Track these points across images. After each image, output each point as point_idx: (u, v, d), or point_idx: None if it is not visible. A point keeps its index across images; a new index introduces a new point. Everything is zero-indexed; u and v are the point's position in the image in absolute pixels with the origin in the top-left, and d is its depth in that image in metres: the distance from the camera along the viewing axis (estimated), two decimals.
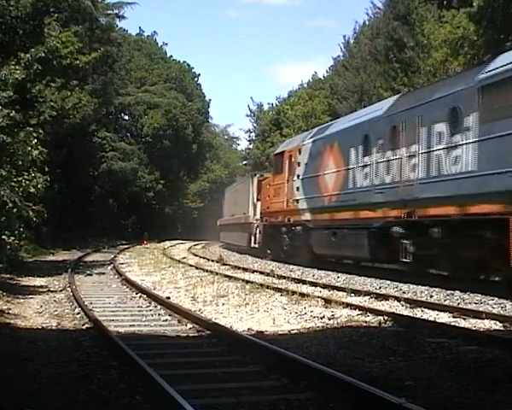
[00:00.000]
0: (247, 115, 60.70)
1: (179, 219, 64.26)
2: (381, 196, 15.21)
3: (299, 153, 20.53)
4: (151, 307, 10.82)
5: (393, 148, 14.75)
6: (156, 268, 19.99)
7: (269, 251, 23.99)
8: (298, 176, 20.42)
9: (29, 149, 15.73)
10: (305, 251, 19.93)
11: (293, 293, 11.79)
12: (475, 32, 22.15)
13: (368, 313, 9.49)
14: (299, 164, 20.47)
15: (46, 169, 17.98)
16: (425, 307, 10.10)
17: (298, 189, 20.34)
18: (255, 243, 26.49)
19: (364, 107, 24.31)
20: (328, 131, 19.25)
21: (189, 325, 8.67)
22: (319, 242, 18.77)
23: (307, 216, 19.60)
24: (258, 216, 26.59)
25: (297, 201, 20.35)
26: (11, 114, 14.71)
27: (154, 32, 67.59)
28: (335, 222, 17.47)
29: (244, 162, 57.15)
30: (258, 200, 27.15)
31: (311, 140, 19.97)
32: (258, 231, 25.96)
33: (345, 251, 17.26)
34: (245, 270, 18.84)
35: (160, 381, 4.98)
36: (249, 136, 62.82)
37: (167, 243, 41.25)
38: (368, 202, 15.70)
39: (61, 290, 13.51)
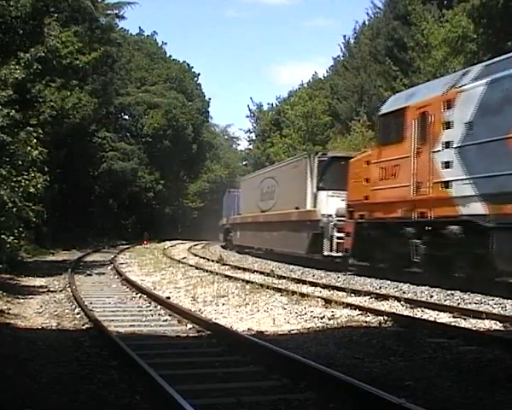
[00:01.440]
0: (247, 116, 61.04)
1: (179, 219, 64.22)
2: None
3: (449, 106, 13.40)
4: (151, 308, 10.81)
5: None
6: (156, 268, 19.98)
7: (351, 260, 17.33)
8: (447, 144, 13.40)
9: (29, 149, 15.73)
10: (471, 268, 12.67)
11: (294, 293, 11.79)
12: (475, 31, 22.19)
13: (368, 313, 9.49)
14: (448, 125, 13.43)
15: (46, 169, 17.96)
16: (425, 307, 10.11)
17: (448, 165, 13.32)
18: (332, 249, 19.25)
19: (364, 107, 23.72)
20: None
21: (189, 325, 8.67)
22: None
23: (476, 208, 12.45)
24: (328, 211, 19.80)
25: (445, 184, 13.37)
26: (11, 114, 14.71)
27: (154, 31, 67.57)
28: None
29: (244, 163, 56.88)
30: (319, 189, 20.80)
31: (483, 82, 12.50)
32: (337, 233, 19.04)
33: None
34: (245, 270, 18.83)
35: (160, 381, 4.98)
36: (249, 136, 63.20)
37: (167, 243, 41.21)
38: None
39: (60, 290, 13.50)
